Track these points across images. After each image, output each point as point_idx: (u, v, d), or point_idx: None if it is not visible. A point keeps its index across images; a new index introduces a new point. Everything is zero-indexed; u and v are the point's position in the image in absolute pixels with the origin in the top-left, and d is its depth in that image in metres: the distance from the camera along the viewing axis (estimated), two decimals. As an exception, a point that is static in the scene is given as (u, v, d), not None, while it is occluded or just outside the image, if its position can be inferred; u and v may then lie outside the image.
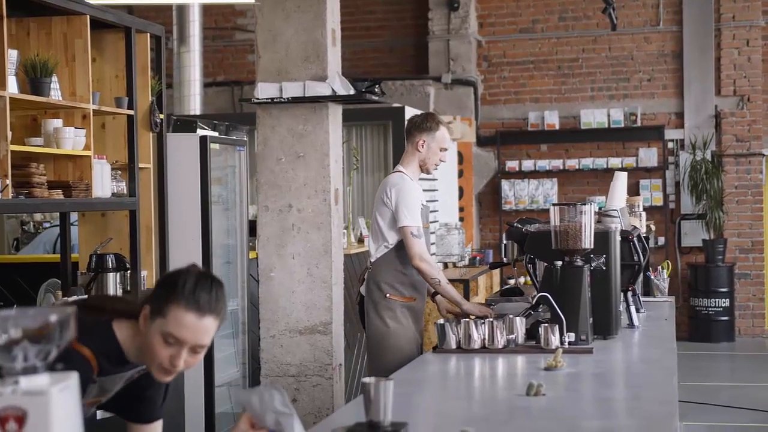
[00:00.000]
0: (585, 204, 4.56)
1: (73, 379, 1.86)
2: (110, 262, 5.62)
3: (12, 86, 4.84)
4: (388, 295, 5.35)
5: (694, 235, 12.75)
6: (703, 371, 10.79)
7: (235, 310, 7.05)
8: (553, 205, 4.61)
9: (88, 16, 5.39)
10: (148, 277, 5.99)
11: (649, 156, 12.81)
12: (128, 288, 5.78)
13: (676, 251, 12.89)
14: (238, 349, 7.02)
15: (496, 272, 10.97)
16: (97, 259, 5.62)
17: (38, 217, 8.84)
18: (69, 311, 1.85)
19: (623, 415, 3.28)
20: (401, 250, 5.27)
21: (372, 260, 5.44)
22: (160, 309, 2.68)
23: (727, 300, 12.41)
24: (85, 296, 5.30)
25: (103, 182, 5.48)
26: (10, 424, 1.78)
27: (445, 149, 5.40)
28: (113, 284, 5.59)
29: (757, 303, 12.79)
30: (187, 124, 6.83)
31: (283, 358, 5.80)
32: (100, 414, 4.79)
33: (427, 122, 5.36)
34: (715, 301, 12.38)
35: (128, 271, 5.77)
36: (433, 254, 10.02)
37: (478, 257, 10.87)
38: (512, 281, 10.40)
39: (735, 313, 12.56)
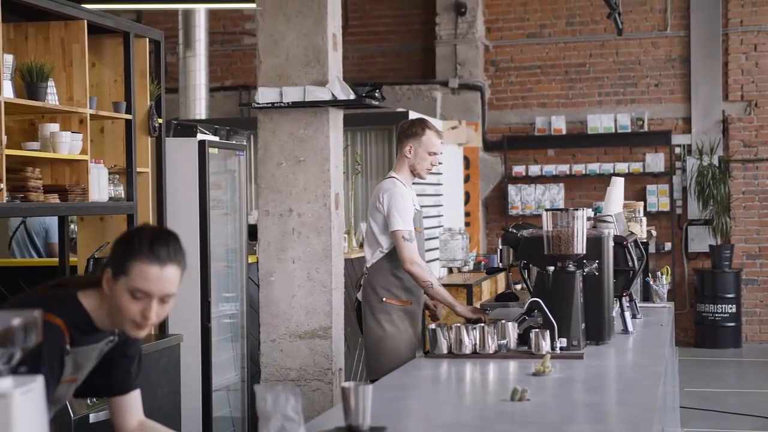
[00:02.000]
0: (578, 210, 4.56)
1: (37, 382, 1.87)
2: (108, 266, 5.63)
3: (8, 91, 4.87)
4: (384, 299, 5.39)
5: (700, 240, 12.72)
6: (709, 377, 10.76)
7: (234, 314, 7.07)
8: (546, 210, 4.62)
9: (85, 21, 5.41)
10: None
11: (656, 161, 12.78)
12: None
13: (683, 257, 12.86)
14: (237, 353, 7.03)
15: (501, 277, 10.97)
16: (95, 263, 5.64)
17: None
18: (33, 316, 1.86)
19: (604, 420, 3.28)
20: (396, 254, 5.31)
21: (368, 265, 5.49)
22: (122, 267, 2.77)
23: (734, 306, 12.38)
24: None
25: (100, 186, 5.51)
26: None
27: (434, 153, 5.44)
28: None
29: (764, 309, 12.74)
30: (187, 129, 6.84)
31: (283, 363, 5.81)
32: (93, 417, 4.84)
33: (413, 128, 5.43)
34: (722, 307, 12.34)
35: (126, 275, 5.78)
36: (436, 259, 10.06)
37: (483, 262, 10.87)
38: (518, 286, 10.40)
39: (742, 319, 12.52)
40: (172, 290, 2.80)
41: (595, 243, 4.67)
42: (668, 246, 12.73)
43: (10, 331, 1.83)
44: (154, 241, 2.79)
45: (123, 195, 5.81)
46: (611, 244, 4.83)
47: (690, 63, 12.84)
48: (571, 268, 4.52)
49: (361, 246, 8.51)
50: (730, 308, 12.35)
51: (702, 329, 12.48)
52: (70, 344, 2.83)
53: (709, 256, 12.63)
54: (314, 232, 5.73)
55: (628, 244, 5.16)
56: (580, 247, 4.51)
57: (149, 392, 5.40)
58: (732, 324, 12.39)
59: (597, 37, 13.12)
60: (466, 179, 12.51)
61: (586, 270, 4.60)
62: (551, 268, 4.52)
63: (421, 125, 5.46)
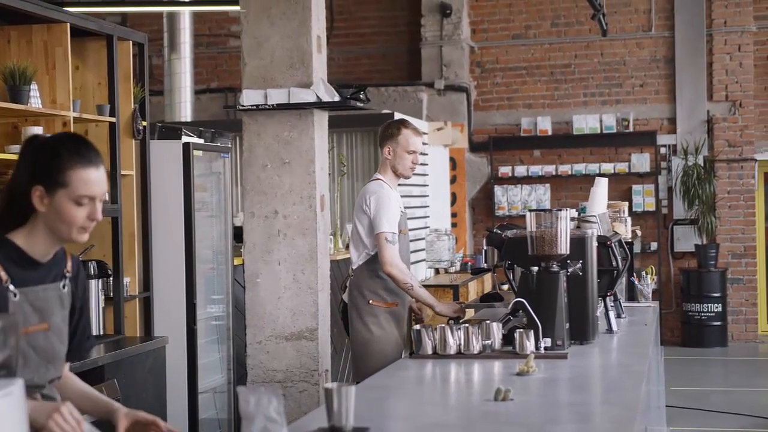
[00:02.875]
0: (561, 210, 4.57)
1: (16, 386, 1.86)
2: (92, 268, 5.62)
3: (-10, 94, 4.87)
4: (371, 301, 5.40)
5: (686, 240, 12.76)
6: (695, 376, 10.79)
7: (220, 316, 7.06)
8: (530, 210, 4.63)
9: (68, 24, 5.41)
10: (131, 284, 6.00)
11: (641, 161, 12.82)
12: (111, 295, 5.79)
13: (669, 256, 12.90)
14: (223, 355, 7.02)
15: (488, 277, 10.98)
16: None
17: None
18: (11, 320, 1.86)
19: (587, 420, 3.29)
20: (382, 256, 5.32)
21: (354, 267, 5.49)
22: (58, 180, 2.79)
23: (720, 305, 12.42)
24: None
25: (84, 189, 5.49)
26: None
27: (413, 152, 5.46)
28: (95, 291, 5.59)
29: (750, 308, 12.79)
30: (172, 131, 6.81)
31: (270, 364, 5.80)
32: (88, 416, 4.82)
33: (389, 129, 5.48)
34: (708, 306, 12.39)
35: (110, 278, 5.78)
36: (423, 260, 10.06)
37: (469, 263, 10.87)
38: (505, 287, 10.40)
39: (728, 318, 12.57)
40: (106, 188, 2.88)
41: (578, 243, 4.68)
42: (654, 246, 12.76)
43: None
44: (79, 146, 2.82)
45: (107, 198, 5.80)
46: (595, 244, 4.84)
47: (674, 63, 12.89)
48: (555, 268, 4.54)
49: (347, 247, 8.51)
50: (716, 307, 12.40)
51: (688, 328, 12.52)
52: (12, 283, 2.79)
53: (694, 256, 12.67)
54: (300, 233, 5.72)
55: (612, 244, 5.17)
56: (563, 247, 4.52)
57: (135, 394, 5.39)
58: (718, 323, 12.44)
59: (582, 38, 13.15)
60: (453, 180, 12.53)
61: (569, 270, 4.62)
62: (535, 269, 4.53)
63: (397, 125, 5.50)
